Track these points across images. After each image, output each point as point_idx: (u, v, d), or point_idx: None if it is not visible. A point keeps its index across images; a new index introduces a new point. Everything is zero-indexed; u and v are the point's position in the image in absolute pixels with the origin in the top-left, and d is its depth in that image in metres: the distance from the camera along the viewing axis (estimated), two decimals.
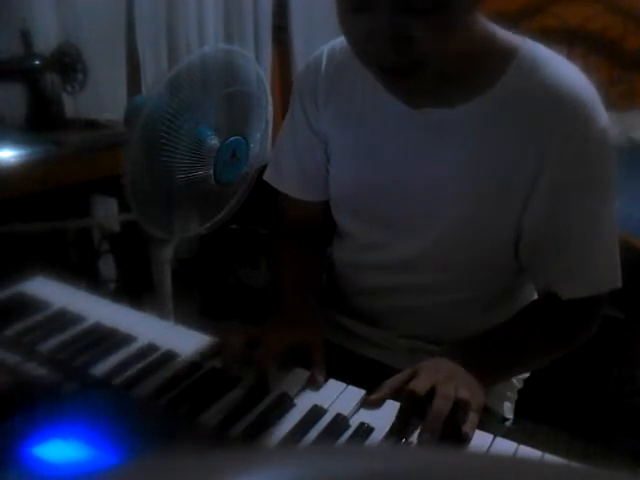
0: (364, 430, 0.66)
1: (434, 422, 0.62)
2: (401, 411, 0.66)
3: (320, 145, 0.90)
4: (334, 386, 0.73)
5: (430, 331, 0.90)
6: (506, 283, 0.89)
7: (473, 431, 0.64)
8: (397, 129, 0.82)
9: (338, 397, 0.71)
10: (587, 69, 0.78)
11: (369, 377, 0.74)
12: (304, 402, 0.70)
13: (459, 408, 0.64)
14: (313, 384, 0.72)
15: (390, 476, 0.18)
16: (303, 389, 0.72)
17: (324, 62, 0.87)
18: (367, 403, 0.69)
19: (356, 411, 0.69)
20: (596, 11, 2.34)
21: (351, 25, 0.70)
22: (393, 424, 0.65)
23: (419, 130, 0.80)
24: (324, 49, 0.89)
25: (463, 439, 0.62)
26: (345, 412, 0.68)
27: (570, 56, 0.79)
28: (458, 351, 0.74)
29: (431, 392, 0.65)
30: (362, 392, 0.71)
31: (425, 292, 0.88)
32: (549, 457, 0.62)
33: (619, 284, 0.79)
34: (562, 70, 0.75)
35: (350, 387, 0.72)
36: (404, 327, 0.91)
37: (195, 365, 0.76)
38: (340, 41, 0.85)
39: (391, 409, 0.68)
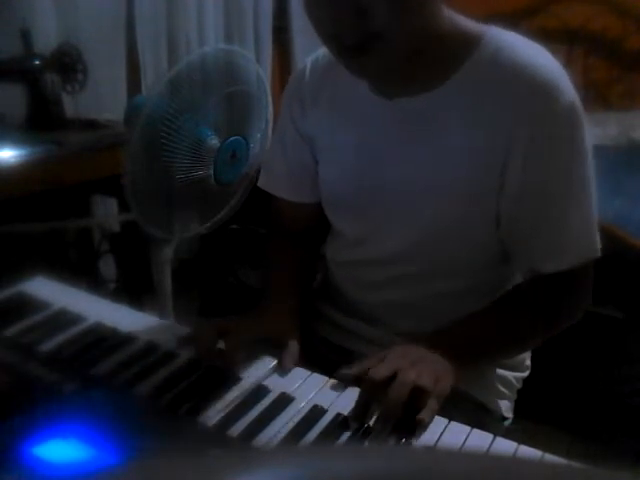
0: (363, 430, 0.66)
1: (389, 409, 0.64)
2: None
3: (307, 148, 0.93)
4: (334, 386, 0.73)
5: (428, 327, 0.90)
6: (499, 272, 0.89)
7: (430, 417, 0.66)
8: (376, 123, 0.84)
9: (338, 397, 0.71)
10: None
11: None
12: (304, 401, 0.70)
13: (417, 395, 0.65)
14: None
15: (390, 476, 0.18)
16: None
17: (308, 70, 0.92)
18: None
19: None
20: (596, 11, 2.33)
21: (314, 8, 0.72)
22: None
23: (395, 121, 0.82)
24: (308, 59, 0.93)
25: (418, 425, 0.64)
26: (345, 412, 0.68)
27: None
28: (432, 336, 0.77)
29: (392, 378, 0.67)
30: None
31: (417, 283, 0.88)
32: (549, 457, 0.62)
33: (598, 254, 0.80)
34: (525, 51, 0.76)
35: (350, 387, 0.72)
36: (401, 323, 0.91)
37: (194, 364, 0.76)
38: (323, 50, 0.89)
39: None
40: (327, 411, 0.68)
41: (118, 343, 0.79)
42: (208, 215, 1.46)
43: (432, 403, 0.66)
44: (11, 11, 1.68)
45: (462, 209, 0.81)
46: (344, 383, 0.72)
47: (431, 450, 0.37)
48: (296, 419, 0.67)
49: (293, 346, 0.80)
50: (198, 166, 1.31)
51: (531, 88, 0.74)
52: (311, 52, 0.94)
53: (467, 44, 0.78)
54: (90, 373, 0.73)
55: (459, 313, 0.85)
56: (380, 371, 0.68)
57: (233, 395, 0.71)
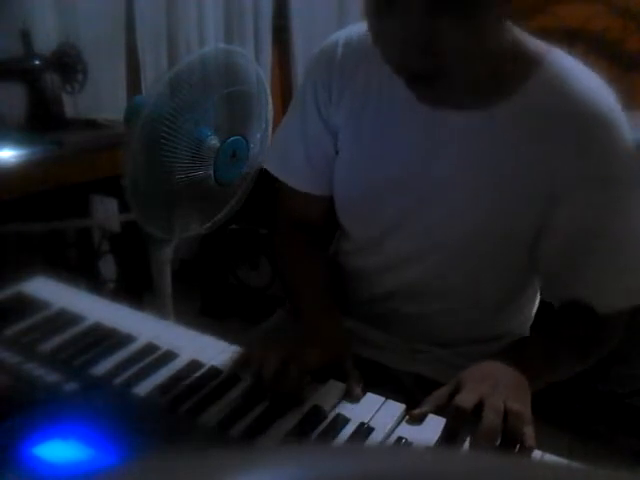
0: (364, 430, 0.66)
1: (488, 434, 0.59)
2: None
3: (331, 138, 0.87)
4: (334, 387, 0.73)
5: (430, 334, 0.90)
6: (510, 285, 0.89)
7: (534, 441, 0.60)
8: (413, 129, 0.79)
9: (338, 397, 0.71)
10: None
11: (369, 378, 0.74)
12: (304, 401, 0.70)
13: (513, 419, 0.60)
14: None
15: (390, 476, 0.18)
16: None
17: (340, 51, 0.83)
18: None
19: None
20: (596, 11, 2.33)
21: (379, 29, 0.68)
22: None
23: (435, 132, 0.78)
24: (340, 36, 0.84)
25: (527, 450, 0.60)
26: (344, 412, 0.68)
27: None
28: (507, 355, 0.72)
29: (478, 404, 0.61)
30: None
31: (424, 297, 0.88)
32: (549, 457, 0.61)
33: None
34: (586, 84, 0.73)
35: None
36: (404, 330, 0.91)
37: (196, 365, 0.76)
38: (357, 29, 0.83)
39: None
40: (327, 411, 0.68)
41: (118, 343, 0.79)
42: (208, 215, 1.46)
43: (528, 429, 0.61)
44: (11, 11, 1.68)
45: (483, 232, 0.79)
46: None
47: (431, 450, 0.37)
48: (296, 419, 0.67)
49: (355, 371, 0.75)
50: (198, 166, 1.31)
51: (589, 126, 0.71)
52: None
53: (526, 66, 0.74)
54: (90, 373, 0.73)
55: (461, 324, 0.88)
56: (468, 399, 0.62)
57: (233, 395, 0.71)
